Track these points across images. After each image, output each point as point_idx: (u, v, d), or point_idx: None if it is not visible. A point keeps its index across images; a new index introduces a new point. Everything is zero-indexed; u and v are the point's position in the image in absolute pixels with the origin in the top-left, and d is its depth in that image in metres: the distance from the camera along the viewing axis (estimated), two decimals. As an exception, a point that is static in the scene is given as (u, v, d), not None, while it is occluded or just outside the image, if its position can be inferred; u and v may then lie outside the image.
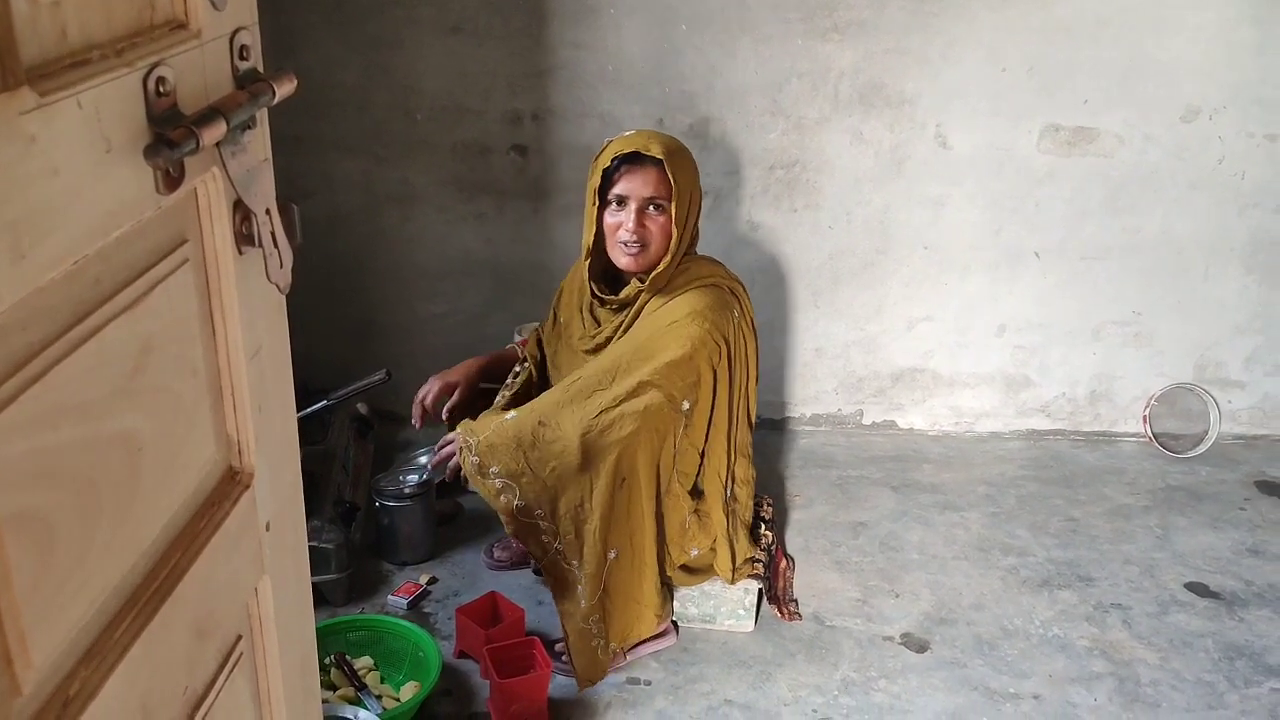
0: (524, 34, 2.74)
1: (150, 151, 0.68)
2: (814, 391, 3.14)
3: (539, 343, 2.45)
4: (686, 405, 2.07)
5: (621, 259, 2.14)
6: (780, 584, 2.38)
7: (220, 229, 0.81)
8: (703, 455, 2.18)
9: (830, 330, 3.06)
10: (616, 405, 1.99)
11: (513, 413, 2.03)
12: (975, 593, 2.41)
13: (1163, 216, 2.92)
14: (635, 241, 2.10)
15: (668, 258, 2.10)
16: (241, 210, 0.82)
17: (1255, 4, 2.71)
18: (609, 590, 2.05)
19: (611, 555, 2.03)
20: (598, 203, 2.13)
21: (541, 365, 2.41)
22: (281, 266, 0.85)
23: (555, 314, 2.39)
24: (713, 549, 2.22)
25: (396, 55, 2.77)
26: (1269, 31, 2.73)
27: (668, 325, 2.07)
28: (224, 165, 0.78)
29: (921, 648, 2.23)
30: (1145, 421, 3.10)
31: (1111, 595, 2.41)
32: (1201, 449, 3.06)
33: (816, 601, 2.37)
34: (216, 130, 0.72)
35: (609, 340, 2.19)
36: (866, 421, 3.17)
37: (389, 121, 2.83)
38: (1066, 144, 2.85)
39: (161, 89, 0.70)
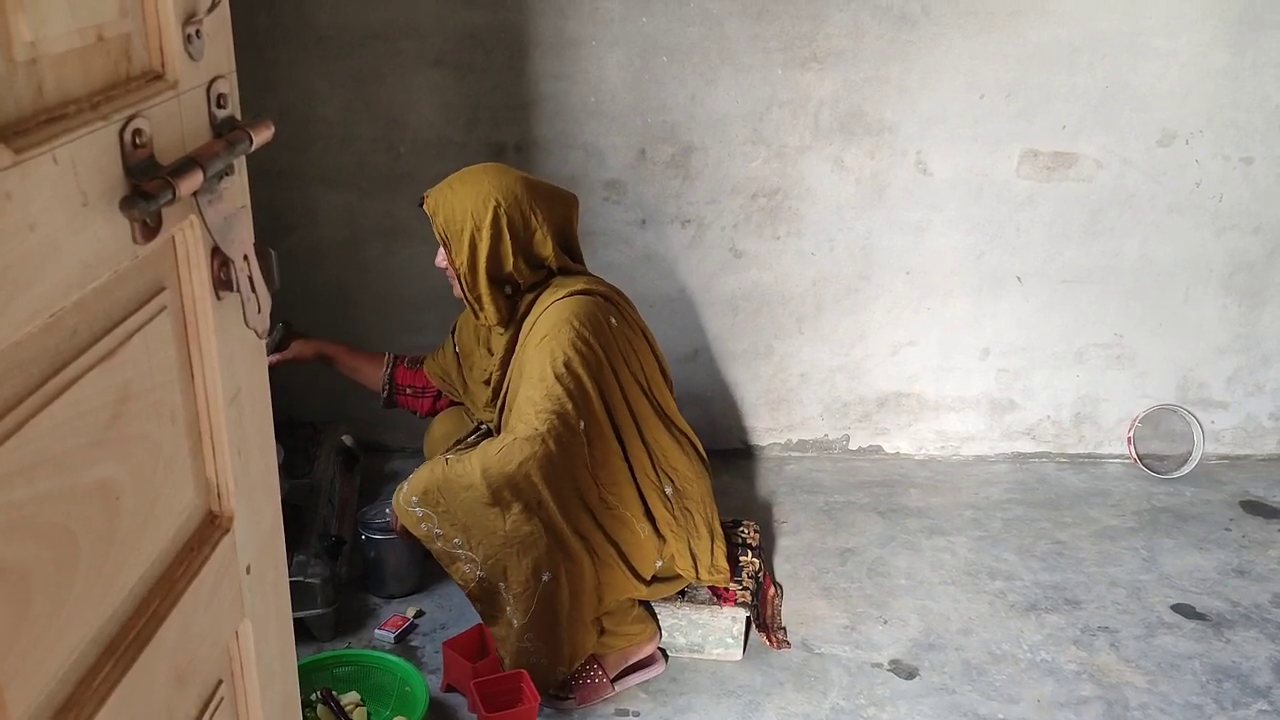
0: (506, 67, 2.76)
1: (126, 204, 0.68)
2: (800, 417, 3.14)
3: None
4: (583, 425, 2.10)
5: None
6: (768, 611, 2.38)
7: (198, 276, 0.82)
8: (630, 463, 2.20)
9: (815, 356, 3.07)
10: (507, 438, 2.05)
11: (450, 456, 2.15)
12: (963, 618, 2.42)
13: (1142, 239, 2.95)
14: (447, 276, 2.24)
15: (479, 288, 2.17)
16: (219, 257, 0.83)
17: (1228, 30, 2.75)
18: (549, 612, 2.05)
19: (545, 577, 2.03)
20: None
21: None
22: (260, 311, 0.85)
23: (456, 352, 2.49)
24: (672, 554, 2.22)
25: (379, 89, 2.78)
26: (1242, 56, 2.77)
27: (537, 343, 2.13)
28: (201, 213, 0.78)
29: (910, 674, 2.23)
30: (1130, 443, 3.12)
31: (1099, 618, 2.42)
32: (1186, 470, 3.08)
33: (805, 629, 2.37)
34: (193, 180, 0.72)
35: (494, 371, 2.29)
36: (853, 446, 3.18)
37: (372, 155, 2.85)
38: (1045, 169, 2.88)
39: (138, 140, 0.71)
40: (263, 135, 0.84)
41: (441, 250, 2.20)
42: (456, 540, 2.03)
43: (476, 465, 2.02)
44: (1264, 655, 2.30)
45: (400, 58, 2.75)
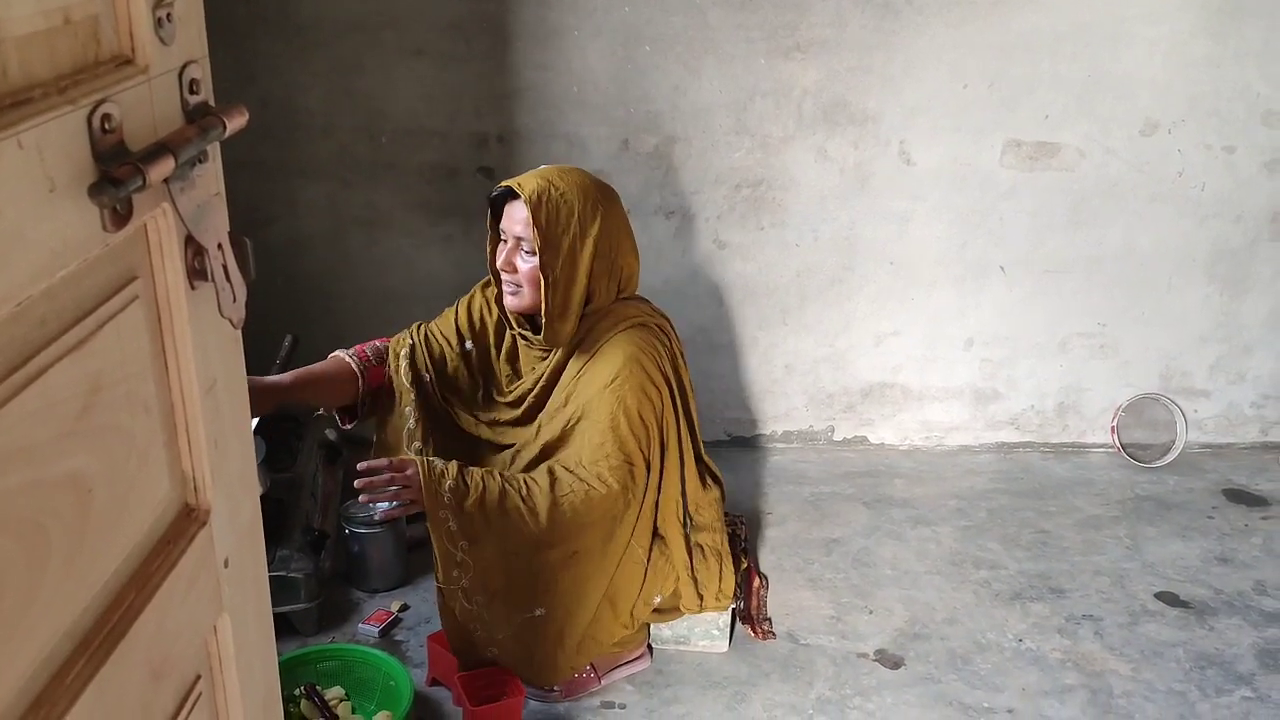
0: (488, 56, 2.75)
1: (95, 190, 0.67)
2: (784, 408, 3.14)
3: (421, 367, 2.25)
4: (649, 475, 2.01)
5: (505, 297, 2.09)
6: (754, 603, 2.38)
7: (171, 265, 0.80)
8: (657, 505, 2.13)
9: (799, 347, 3.07)
10: (576, 487, 1.94)
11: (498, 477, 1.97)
12: (948, 607, 2.42)
13: (1125, 229, 2.96)
14: (510, 280, 2.05)
15: (571, 302, 2.01)
16: (193, 245, 0.81)
17: (1209, 18, 2.75)
18: (522, 641, 2.01)
19: (539, 612, 1.99)
20: (490, 234, 2.10)
21: (426, 400, 2.23)
22: (235, 301, 0.84)
23: (464, 339, 2.26)
24: (676, 591, 2.18)
25: (360, 79, 2.76)
26: (1223, 45, 2.78)
27: (607, 384, 1.99)
28: (174, 201, 0.77)
29: (896, 664, 2.23)
30: (1113, 432, 3.13)
31: (1083, 607, 2.43)
32: (1169, 458, 3.09)
33: (790, 620, 2.37)
34: (164, 167, 0.71)
35: (528, 394, 2.12)
36: (837, 437, 3.18)
37: (353, 145, 2.83)
38: (1029, 158, 2.88)
39: (107, 126, 0.69)
40: (236, 121, 0.82)
41: (520, 254, 2.01)
42: (463, 544, 1.92)
43: (546, 498, 1.91)
44: (1247, 642, 2.31)
45: (381, 47, 2.73)
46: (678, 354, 2.16)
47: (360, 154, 2.83)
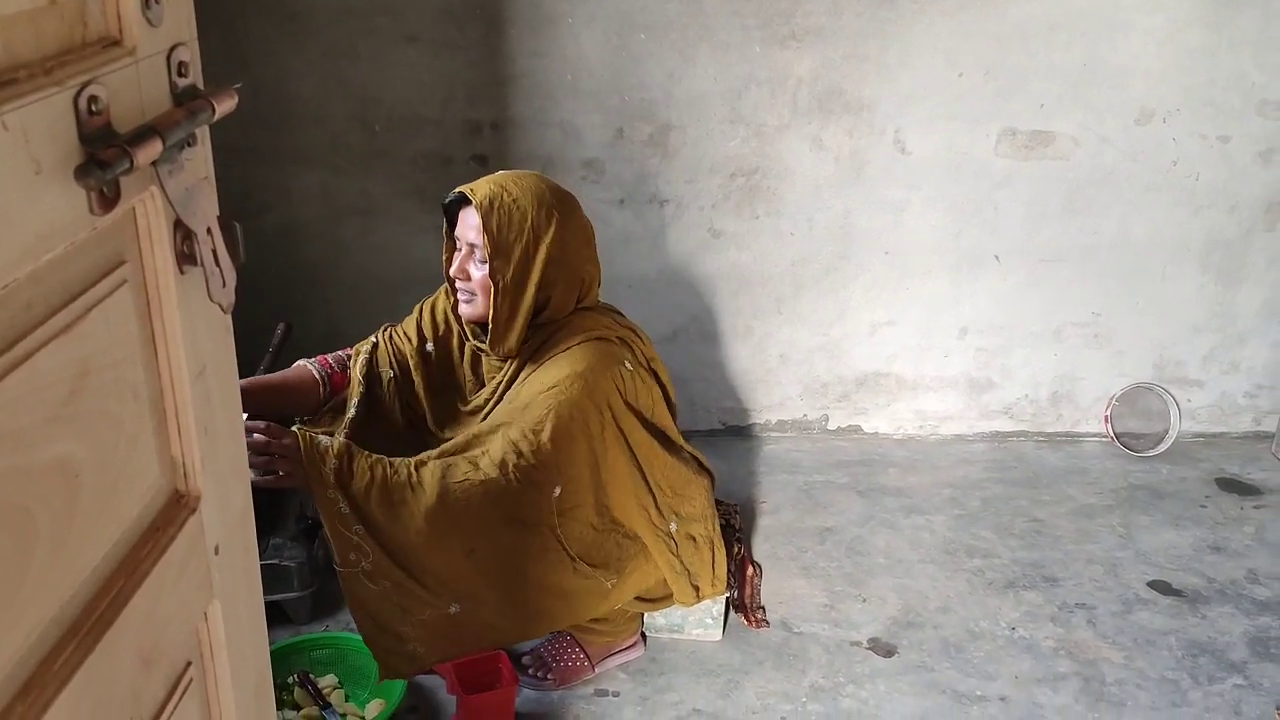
0: (482, 43, 2.73)
1: (82, 172, 0.66)
2: (779, 398, 3.14)
3: (380, 362, 2.19)
4: (557, 491, 1.90)
5: (459, 306, 2.04)
6: (747, 591, 2.38)
7: (160, 249, 0.79)
8: (616, 518, 2.04)
9: (794, 336, 3.07)
10: (472, 476, 1.83)
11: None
12: (941, 596, 2.42)
13: (1120, 218, 2.95)
14: (464, 288, 1.99)
15: (519, 310, 1.95)
16: (182, 229, 0.80)
17: (1205, 7, 2.75)
18: (443, 637, 1.87)
19: (454, 609, 1.85)
20: (446, 241, 2.06)
21: (370, 397, 2.17)
22: (224, 286, 0.83)
23: (425, 340, 2.20)
24: (664, 584, 2.14)
25: (353, 66, 2.75)
26: (1219, 34, 2.77)
27: (546, 389, 1.92)
28: (162, 184, 0.76)
29: (889, 652, 2.23)
30: (1107, 421, 3.13)
31: (1076, 595, 2.43)
32: (1162, 448, 3.09)
33: (784, 608, 2.37)
34: (151, 149, 0.70)
35: (487, 404, 2.07)
36: (831, 426, 3.18)
37: (347, 133, 2.81)
38: (1024, 147, 2.87)
39: (94, 108, 0.68)
40: (225, 105, 0.82)
41: (474, 261, 1.97)
42: (358, 528, 1.77)
43: (435, 486, 1.79)
44: (1239, 630, 2.31)
45: (375, 34, 2.72)
46: (643, 363, 2.08)
47: (353, 142, 2.82)
